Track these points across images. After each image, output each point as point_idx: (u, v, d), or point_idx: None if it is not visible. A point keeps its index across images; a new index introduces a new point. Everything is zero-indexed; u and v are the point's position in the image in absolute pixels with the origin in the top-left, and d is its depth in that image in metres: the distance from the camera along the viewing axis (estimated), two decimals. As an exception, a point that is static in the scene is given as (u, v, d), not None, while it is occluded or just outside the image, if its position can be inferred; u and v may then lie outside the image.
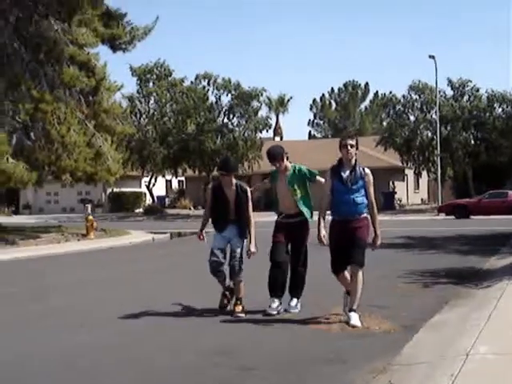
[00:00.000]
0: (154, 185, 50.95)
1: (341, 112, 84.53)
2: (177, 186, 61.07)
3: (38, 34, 22.26)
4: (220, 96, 47.48)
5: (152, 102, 47.08)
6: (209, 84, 47.26)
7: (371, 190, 7.56)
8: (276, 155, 8.37)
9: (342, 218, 7.52)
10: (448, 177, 52.15)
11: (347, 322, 7.35)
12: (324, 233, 7.57)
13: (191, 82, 47.78)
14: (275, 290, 8.23)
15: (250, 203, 8.44)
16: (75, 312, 9.01)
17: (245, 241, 8.37)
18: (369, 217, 7.62)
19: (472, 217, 33.85)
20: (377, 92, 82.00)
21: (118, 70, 51.92)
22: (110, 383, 5.62)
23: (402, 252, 16.43)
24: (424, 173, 51.58)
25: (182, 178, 57.09)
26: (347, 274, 7.65)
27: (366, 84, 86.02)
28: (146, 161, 46.21)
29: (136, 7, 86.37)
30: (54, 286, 12.06)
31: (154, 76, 47.25)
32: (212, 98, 47.66)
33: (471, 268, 12.65)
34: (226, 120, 47.63)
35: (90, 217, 24.41)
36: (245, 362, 5.98)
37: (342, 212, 7.52)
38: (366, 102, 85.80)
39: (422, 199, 57.20)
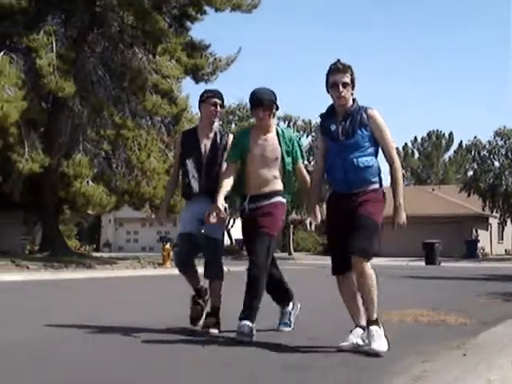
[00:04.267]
0: (232, 226, 51.02)
1: (424, 161, 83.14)
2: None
3: (122, 63, 22.82)
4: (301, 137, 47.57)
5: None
6: (289, 125, 47.44)
7: (386, 136, 5.08)
8: (264, 100, 5.56)
9: (338, 192, 5.18)
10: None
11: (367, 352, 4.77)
12: (320, 217, 5.34)
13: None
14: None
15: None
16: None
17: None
18: (382, 188, 5.13)
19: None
20: (461, 142, 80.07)
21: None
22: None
23: (482, 282, 15.60)
24: (509, 223, 49.95)
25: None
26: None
27: (450, 134, 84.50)
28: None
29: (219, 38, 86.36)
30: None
31: (237, 117, 47.81)
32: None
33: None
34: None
35: (167, 246, 24.41)
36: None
37: (336, 182, 5.19)
38: (450, 152, 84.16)
39: (505, 250, 55.25)
